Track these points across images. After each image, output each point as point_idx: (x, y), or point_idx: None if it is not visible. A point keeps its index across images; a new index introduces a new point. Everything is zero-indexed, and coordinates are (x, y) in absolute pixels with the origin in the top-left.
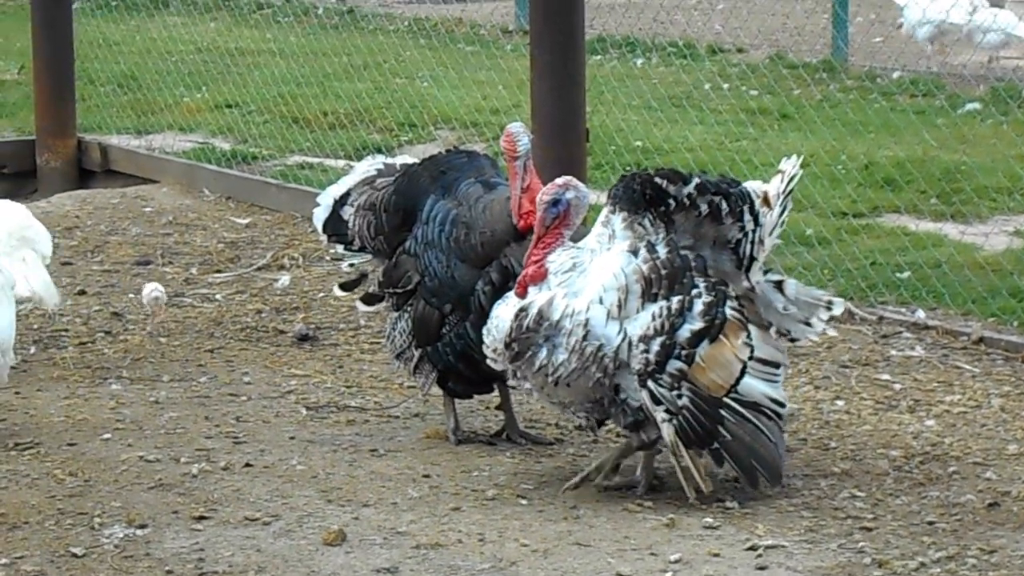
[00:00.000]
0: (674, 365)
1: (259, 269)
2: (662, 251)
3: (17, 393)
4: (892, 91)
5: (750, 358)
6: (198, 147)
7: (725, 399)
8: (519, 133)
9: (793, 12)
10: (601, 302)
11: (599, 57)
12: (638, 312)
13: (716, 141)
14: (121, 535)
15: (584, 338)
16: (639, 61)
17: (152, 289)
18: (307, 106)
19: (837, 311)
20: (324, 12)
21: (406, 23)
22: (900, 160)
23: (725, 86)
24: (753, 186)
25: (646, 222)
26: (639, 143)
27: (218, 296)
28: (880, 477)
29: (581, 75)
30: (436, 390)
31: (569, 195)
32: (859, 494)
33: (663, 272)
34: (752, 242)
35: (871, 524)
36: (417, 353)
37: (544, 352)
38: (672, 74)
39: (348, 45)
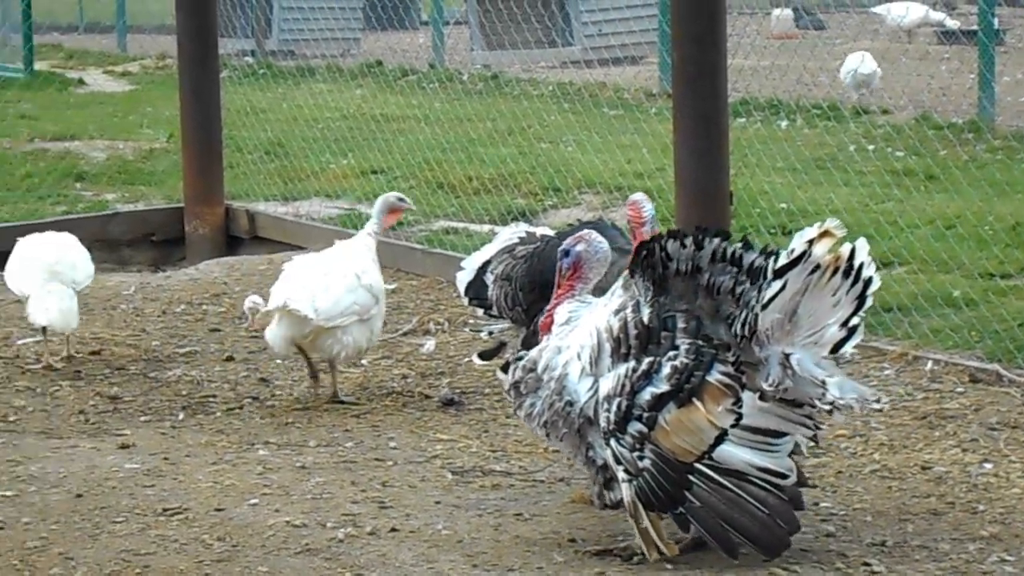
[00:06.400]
0: (635, 427)
1: (405, 334)
2: (645, 312)
3: (166, 459)
4: None
5: (734, 426)
6: (344, 213)
7: (696, 465)
8: (642, 200)
9: (938, 72)
10: (579, 358)
11: (743, 120)
12: (609, 370)
13: (861, 203)
14: None
15: (557, 393)
16: (783, 123)
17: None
18: (452, 171)
19: (833, 392)
20: (469, 78)
21: (550, 88)
22: None
23: (870, 148)
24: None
25: (640, 282)
26: (783, 205)
27: (364, 361)
28: None
29: (725, 138)
30: None
31: (579, 248)
32: (1008, 558)
33: (634, 332)
34: (744, 321)
35: None
36: None
37: (528, 401)
38: (817, 136)
39: (493, 110)
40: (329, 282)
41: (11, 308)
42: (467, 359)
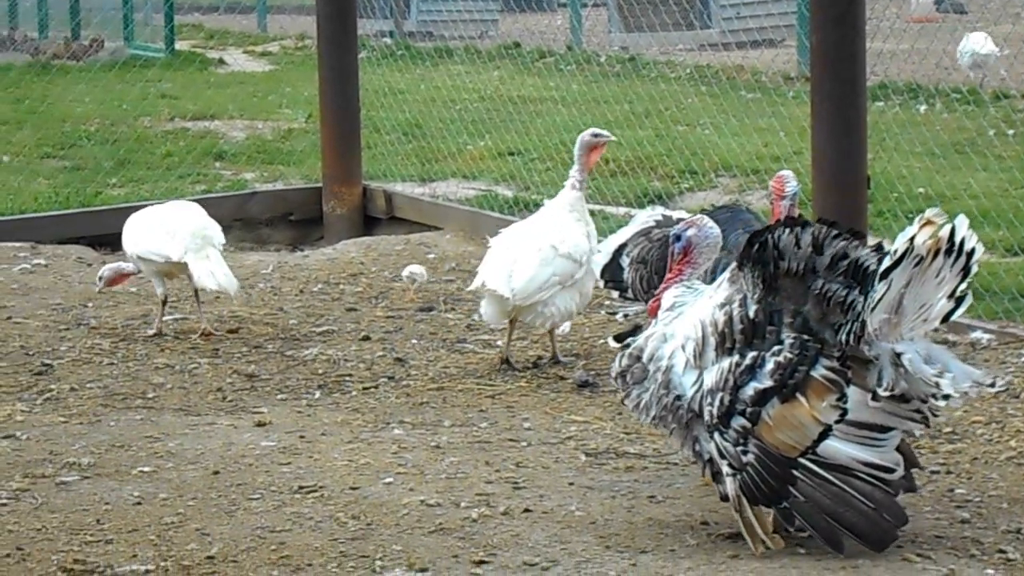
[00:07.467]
0: (738, 422)
1: None
2: (750, 308)
3: (302, 437)
4: None
5: (838, 421)
6: (481, 194)
7: (800, 460)
8: (789, 177)
9: None
10: (683, 350)
11: (881, 103)
12: (713, 364)
13: (1000, 188)
14: None
15: (664, 386)
16: (922, 107)
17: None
18: None
19: (947, 389)
20: (606, 60)
21: (687, 71)
22: None
23: (1010, 132)
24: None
25: (748, 277)
26: (921, 190)
27: (499, 342)
28: None
29: (862, 122)
30: None
31: (689, 232)
32: None
33: (739, 327)
34: (851, 331)
35: None
36: None
37: (636, 392)
38: (956, 120)
39: (629, 93)
40: (524, 259)
41: (150, 286)
42: (602, 341)
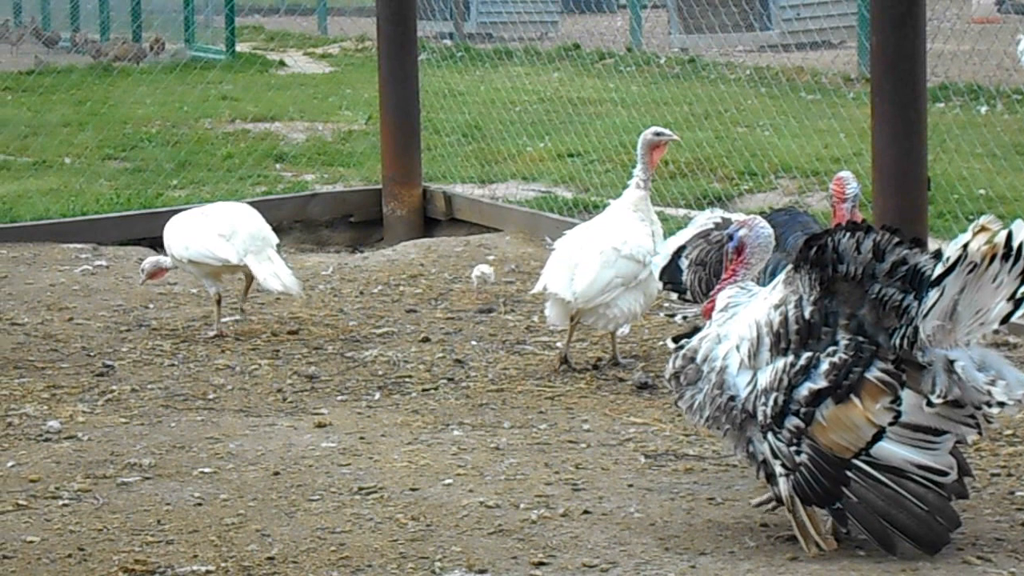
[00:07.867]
0: (791, 422)
1: None
2: (806, 309)
3: (361, 438)
4: None
5: (892, 424)
6: (540, 196)
7: (854, 461)
8: (849, 178)
9: None
10: (738, 350)
11: (941, 105)
12: (768, 364)
13: None
14: None
15: (718, 387)
16: (983, 108)
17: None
18: None
19: (1000, 397)
20: (666, 62)
21: (747, 72)
22: None
23: None
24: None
25: (805, 280)
26: (982, 191)
27: (559, 344)
28: None
29: (923, 123)
30: None
31: (741, 232)
32: None
33: (795, 327)
34: (904, 336)
35: None
36: None
37: (689, 393)
38: (1017, 122)
39: (689, 94)
40: (585, 261)
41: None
42: (661, 343)
